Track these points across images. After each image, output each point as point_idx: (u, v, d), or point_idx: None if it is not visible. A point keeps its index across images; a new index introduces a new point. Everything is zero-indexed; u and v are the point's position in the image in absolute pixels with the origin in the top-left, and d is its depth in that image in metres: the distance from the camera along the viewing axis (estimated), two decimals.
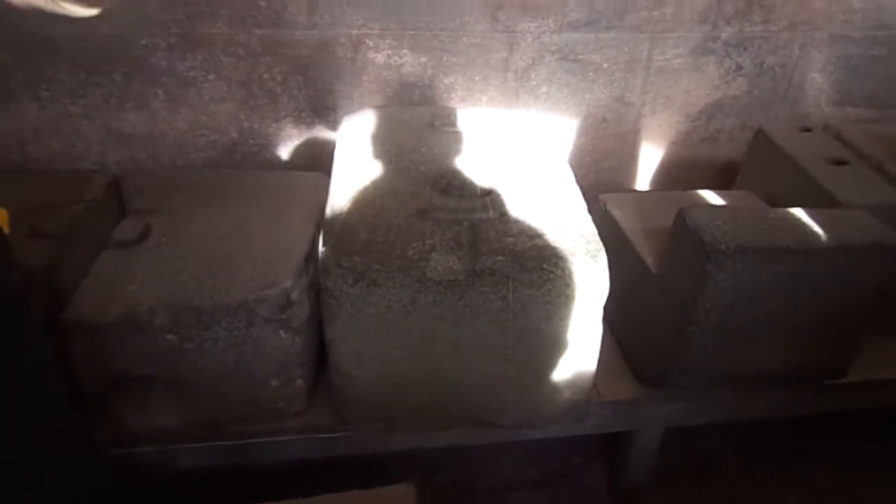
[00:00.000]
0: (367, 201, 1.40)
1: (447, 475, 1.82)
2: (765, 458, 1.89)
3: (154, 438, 1.41)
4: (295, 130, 2.03)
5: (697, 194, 1.79)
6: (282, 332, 1.32)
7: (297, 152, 2.07)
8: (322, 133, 2.04)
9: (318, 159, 2.08)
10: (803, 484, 1.83)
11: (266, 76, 1.93)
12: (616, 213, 1.69)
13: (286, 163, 2.08)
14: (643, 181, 2.32)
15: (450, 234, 1.31)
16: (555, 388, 1.40)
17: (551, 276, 1.24)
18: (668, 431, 1.66)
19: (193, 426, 1.41)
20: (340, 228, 1.31)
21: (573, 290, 1.26)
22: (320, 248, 1.28)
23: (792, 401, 1.63)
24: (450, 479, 1.82)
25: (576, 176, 2.19)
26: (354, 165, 1.53)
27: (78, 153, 1.96)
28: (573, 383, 1.40)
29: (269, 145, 2.05)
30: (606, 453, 1.83)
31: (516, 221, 1.35)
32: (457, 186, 1.48)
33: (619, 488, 1.76)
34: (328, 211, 1.39)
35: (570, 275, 1.25)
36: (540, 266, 1.24)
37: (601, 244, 1.30)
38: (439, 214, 1.36)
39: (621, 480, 1.75)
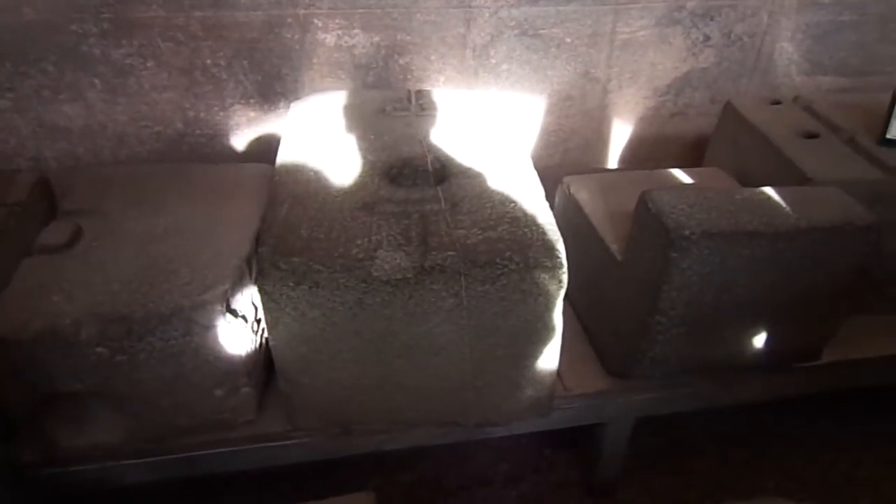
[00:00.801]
0: (309, 194, 1.31)
1: (414, 473, 1.76)
2: (739, 443, 1.85)
3: (93, 456, 1.32)
4: (244, 118, 1.93)
5: (665, 174, 1.71)
6: (222, 340, 1.23)
7: (248, 141, 1.97)
8: (273, 120, 1.94)
9: (270, 148, 1.97)
10: (778, 467, 1.80)
11: (209, 62, 1.82)
12: (580, 196, 1.61)
13: (237, 153, 1.98)
14: (611, 160, 2.24)
15: (398, 229, 1.22)
16: (516, 385, 1.33)
17: (505, 270, 1.16)
18: (640, 420, 1.61)
19: (135, 441, 1.33)
20: (280, 226, 1.22)
21: (530, 285, 1.18)
22: (258, 248, 1.19)
23: (765, 386, 1.58)
24: (417, 477, 1.75)
25: (541, 157, 2.13)
26: (298, 156, 1.44)
27: (11, 149, 1.85)
28: (535, 380, 1.33)
29: (217, 135, 1.94)
30: (578, 445, 1.77)
31: (469, 212, 1.27)
32: (407, 175, 1.39)
33: (592, 480, 1.71)
34: (267, 207, 1.30)
35: (525, 269, 1.17)
36: (493, 260, 1.16)
37: (559, 234, 1.22)
38: (387, 207, 1.28)
39: (593, 472, 1.69)
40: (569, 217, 1.60)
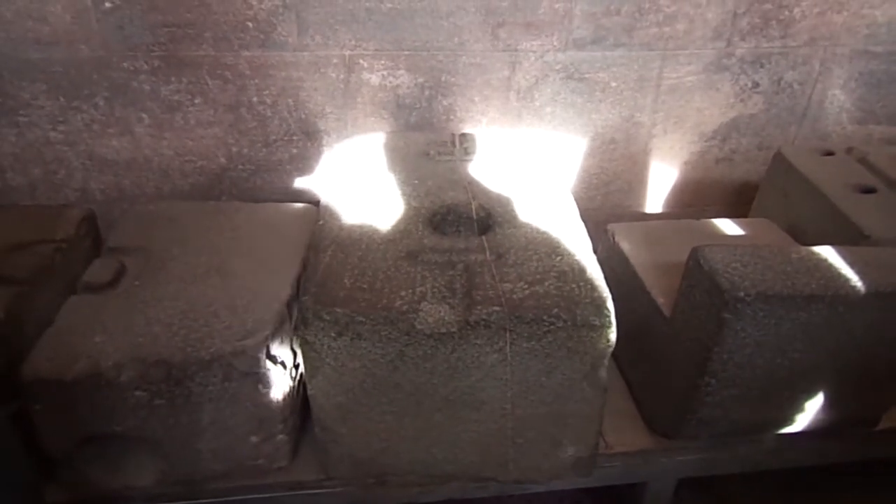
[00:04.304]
0: (353, 241, 1.30)
1: None
2: (785, 501, 1.76)
3: (128, 497, 1.31)
4: (286, 155, 1.94)
5: (713, 224, 1.67)
6: (260, 387, 1.22)
7: (289, 178, 1.98)
8: (315, 157, 1.95)
9: (310, 185, 1.98)
10: None
11: (255, 99, 1.84)
12: (625, 245, 1.58)
13: (277, 188, 1.99)
14: (654, 204, 2.20)
15: (442, 280, 1.20)
16: (558, 443, 1.29)
17: (552, 327, 1.13)
18: (683, 479, 1.54)
19: (170, 484, 1.31)
20: (323, 273, 1.21)
21: (576, 343, 1.15)
22: (300, 296, 1.18)
23: (818, 451, 1.51)
24: None
25: (582, 199, 2.10)
26: (341, 200, 1.43)
27: (59, 180, 1.88)
28: (578, 439, 1.29)
29: (258, 170, 1.95)
30: (617, 499, 1.71)
31: (515, 264, 1.24)
32: (451, 223, 1.37)
33: None
34: (310, 253, 1.29)
35: (572, 327, 1.13)
36: (539, 317, 1.13)
37: (607, 291, 1.18)
38: (431, 256, 1.26)
39: None
40: (613, 266, 1.56)
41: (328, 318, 1.12)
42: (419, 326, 1.13)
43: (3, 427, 1.05)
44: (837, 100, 2.07)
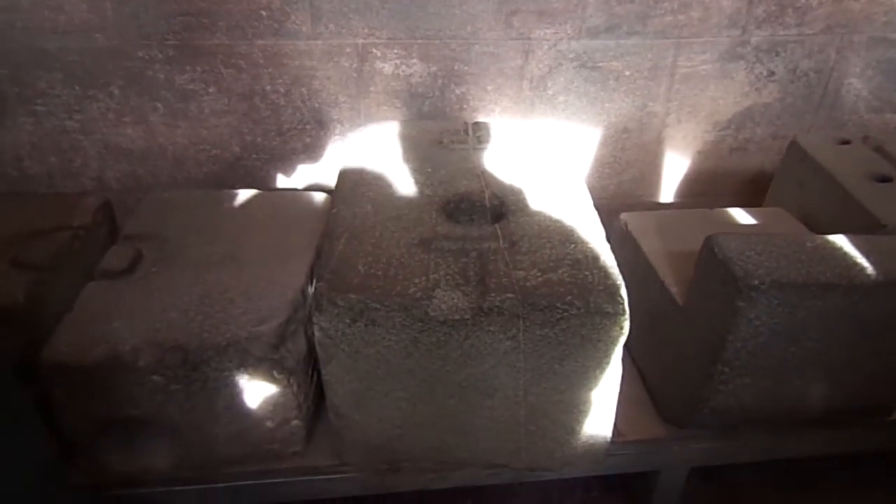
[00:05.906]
0: (366, 228, 1.30)
1: None
2: (800, 490, 1.76)
3: (144, 481, 1.33)
4: (300, 144, 1.95)
5: (727, 213, 1.66)
6: (275, 373, 1.23)
7: (303, 166, 1.99)
8: (328, 146, 1.96)
9: (324, 173, 1.99)
10: None
11: (269, 88, 1.84)
12: (638, 234, 1.57)
13: (291, 177, 2.00)
14: (667, 193, 2.20)
15: (455, 267, 1.20)
16: (570, 431, 1.30)
17: (565, 315, 1.13)
18: (695, 467, 1.55)
19: (185, 468, 1.33)
20: (337, 260, 1.22)
21: (590, 330, 1.15)
22: (315, 282, 1.19)
23: (830, 440, 1.51)
24: None
25: (595, 187, 2.10)
26: (355, 187, 1.44)
27: (76, 169, 1.90)
28: (591, 426, 1.30)
29: (272, 159, 1.96)
30: (628, 488, 1.71)
31: (528, 252, 1.24)
32: (464, 211, 1.38)
33: None
34: (324, 240, 1.30)
35: (586, 314, 1.13)
36: (553, 304, 1.13)
37: (621, 279, 1.18)
38: (445, 244, 1.26)
39: None
40: (626, 255, 1.56)
41: (342, 304, 1.13)
42: (433, 313, 1.14)
43: (26, 410, 1.07)
44: (854, 88, 2.05)
